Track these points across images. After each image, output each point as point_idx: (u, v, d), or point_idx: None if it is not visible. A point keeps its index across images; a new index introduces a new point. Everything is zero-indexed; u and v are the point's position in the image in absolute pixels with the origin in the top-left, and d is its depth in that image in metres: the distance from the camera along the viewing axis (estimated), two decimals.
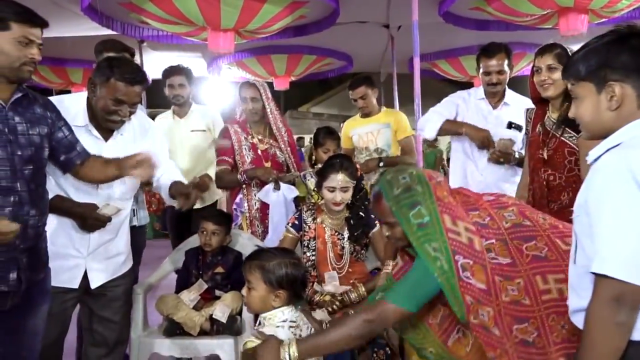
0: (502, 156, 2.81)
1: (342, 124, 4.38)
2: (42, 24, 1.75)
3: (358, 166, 3.02)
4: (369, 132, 3.50)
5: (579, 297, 1.22)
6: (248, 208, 2.93)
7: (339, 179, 2.33)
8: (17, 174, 1.70)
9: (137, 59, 3.67)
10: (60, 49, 6.68)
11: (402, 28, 6.48)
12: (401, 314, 1.57)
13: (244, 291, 1.80)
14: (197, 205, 3.13)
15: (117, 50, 2.95)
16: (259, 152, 2.94)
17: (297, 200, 2.94)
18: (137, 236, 2.80)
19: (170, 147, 3.12)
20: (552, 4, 4.33)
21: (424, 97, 4.10)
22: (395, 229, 1.65)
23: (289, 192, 2.79)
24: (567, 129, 2.26)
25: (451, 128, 3.01)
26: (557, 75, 2.24)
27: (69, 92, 7.91)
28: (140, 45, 6.35)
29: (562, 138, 2.26)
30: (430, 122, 3.02)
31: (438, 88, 10.10)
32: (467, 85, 7.65)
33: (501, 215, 1.63)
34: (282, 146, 3.00)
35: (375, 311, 1.58)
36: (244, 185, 2.93)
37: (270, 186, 2.78)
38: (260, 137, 2.98)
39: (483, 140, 2.87)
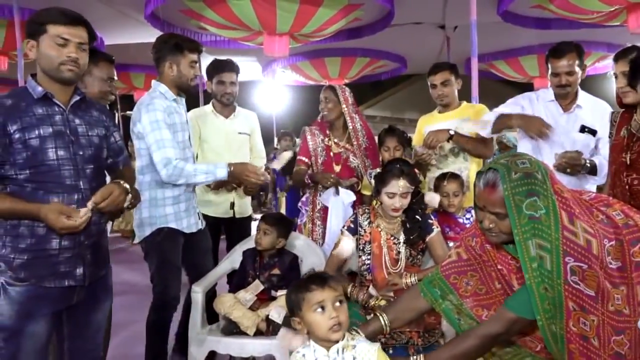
0: (568, 167, 2.66)
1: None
2: (74, 22, 1.76)
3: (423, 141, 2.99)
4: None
5: None
6: (312, 207, 3.03)
7: (400, 185, 2.28)
8: (79, 173, 1.80)
9: None
10: (124, 55, 7.00)
11: (458, 28, 6.37)
12: (522, 323, 1.52)
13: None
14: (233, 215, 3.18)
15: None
16: (332, 154, 3.04)
17: (362, 200, 2.99)
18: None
19: (218, 146, 3.15)
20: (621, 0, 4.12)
21: (481, 99, 3.99)
22: (503, 222, 1.50)
23: (346, 196, 2.82)
24: None
25: (501, 122, 2.80)
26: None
27: (131, 96, 8.27)
28: None
29: None
30: (486, 121, 2.87)
31: (495, 90, 9.82)
32: (527, 86, 7.41)
33: (613, 215, 1.52)
34: (357, 151, 3.05)
35: (499, 323, 1.54)
36: (311, 185, 3.04)
37: (331, 190, 2.85)
38: (336, 141, 3.08)
39: (537, 130, 2.65)
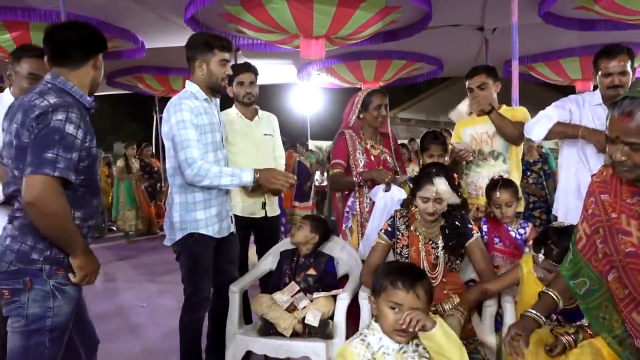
0: None
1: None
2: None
3: (467, 107, 2.98)
4: (484, 132, 3.07)
5: None
6: (359, 210, 2.97)
7: (433, 190, 2.26)
8: None
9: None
10: (164, 58, 7.15)
11: (497, 30, 6.26)
12: None
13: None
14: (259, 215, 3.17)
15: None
16: (372, 157, 3.02)
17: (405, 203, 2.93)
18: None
19: (245, 148, 3.14)
20: None
21: (521, 102, 3.90)
22: (637, 153, 1.44)
23: (398, 193, 2.78)
24: None
25: (565, 131, 2.73)
26: None
27: (169, 99, 8.46)
28: (235, 54, 6.66)
29: None
30: (538, 125, 2.76)
31: (535, 93, 9.61)
32: (568, 89, 7.21)
33: None
34: (392, 152, 3.09)
35: None
36: (356, 188, 2.98)
37: (381, 186, 2.81)
38: (372, 143, 3.07)
39: (602, 144, 2.51)
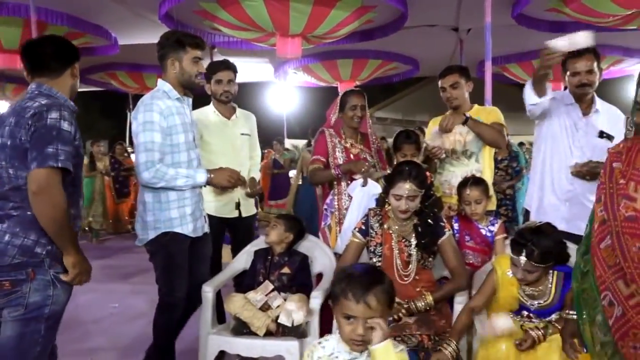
0: (588, 175, 2.66)
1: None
2: None
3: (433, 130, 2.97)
4: (457, 132, 3.06)
5: None
6: (338, 207, 3.00)
7: (406, 187, 2.28)
8: None
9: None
10: (138, 55, 7.04)
11: (471, 31, 6.35)
12: None
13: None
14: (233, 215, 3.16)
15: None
16: (352, 155, 3.05)
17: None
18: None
19: (221, 147, 3.12)
20: (638, 3, 4.08)
21: (494, 102, 3.97)
22: None
23: (373, 188, 2.81)
24: None
25: (538, 75, 2.69)
26: None
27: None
28: (211, 51, 6.60)
29: None
30: (525, 94, 2.76)
31: (508, 93, 9.74)
32: None
33: None
34: (373, 152, 3.13)
35: None
36: (335, 184, 3.02)
37: (359, 181, 2.85)
38: (352, 142, 3.10)
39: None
